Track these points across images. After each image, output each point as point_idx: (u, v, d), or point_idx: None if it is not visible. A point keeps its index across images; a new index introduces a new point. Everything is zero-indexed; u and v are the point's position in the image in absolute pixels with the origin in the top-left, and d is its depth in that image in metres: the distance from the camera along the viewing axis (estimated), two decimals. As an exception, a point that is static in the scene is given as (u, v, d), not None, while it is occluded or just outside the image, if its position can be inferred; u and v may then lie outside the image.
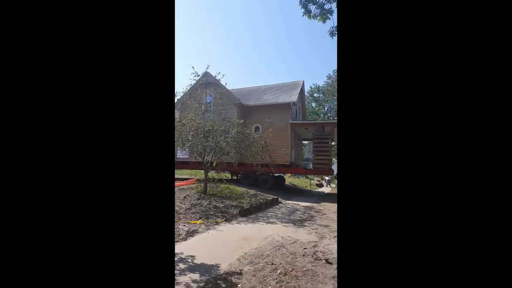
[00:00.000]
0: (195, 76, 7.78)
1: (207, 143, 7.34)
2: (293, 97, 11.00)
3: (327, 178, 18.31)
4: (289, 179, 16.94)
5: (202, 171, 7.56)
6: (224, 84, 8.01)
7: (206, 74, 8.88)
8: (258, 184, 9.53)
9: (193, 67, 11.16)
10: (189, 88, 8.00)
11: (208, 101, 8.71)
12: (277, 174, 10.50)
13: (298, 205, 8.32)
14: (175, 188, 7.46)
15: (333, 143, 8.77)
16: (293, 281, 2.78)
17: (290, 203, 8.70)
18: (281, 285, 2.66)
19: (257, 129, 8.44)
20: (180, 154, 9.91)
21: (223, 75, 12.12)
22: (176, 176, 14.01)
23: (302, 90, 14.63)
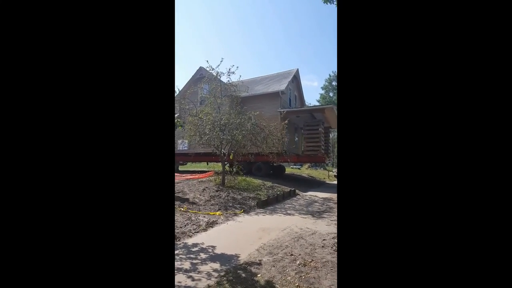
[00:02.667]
0: (210, 69, 7.80)
1: (223, 136, 7.41)
2: (282, 86, 11.12)
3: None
4: (307, 171, 16.75)
5: (218, 163, 7.68)
6: (219, 78, 7.99)
7: (201, 69, 8.94)
8: (253, 172, 9.80)
9: (207, 61, 11.21)
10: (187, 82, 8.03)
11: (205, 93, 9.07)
12: (280, 163, 10.64)
13: (316, 196, 8.23)
14: (195, 181, 7.68)
15: (323, 129, 8.75)
16: (312, 272, 2.78)
17: (308, 194, 8.63)
18: (300, 276, 2.67)
19: (249, 119, 8.57)
20: (198, 147, 10.20)
21: (237, 67, 12.21)
22: (194, 168, 14.39)
23: (296, 78, 14.69)
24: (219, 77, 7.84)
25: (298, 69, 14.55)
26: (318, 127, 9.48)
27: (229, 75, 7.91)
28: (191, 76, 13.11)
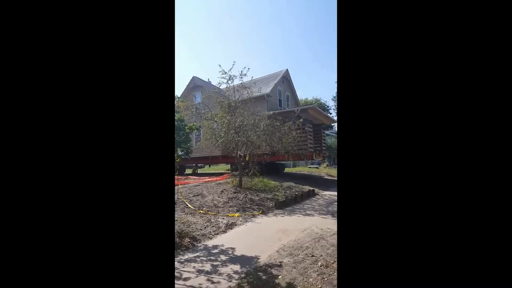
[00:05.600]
0: (222, 74, 7.88)
1: (238, 138, 7.45)
2: (268, 89, 11.40)
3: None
4: (325, 170, 16.38)
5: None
6: (212, 83, 8.10)
7: (194, 78, 11.07)
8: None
9: (219, 65, 11.36)
10: (218, 86, 8.15)
11: (198, 101, 9.43)
12: (278, 162, 10.89)
13: (336, 196, 8.00)
14: (213, 183, 7.78)
15: (310, 127, 8.82)
16: (335, 273, 2.68)
17: (327, 194, 8.41)
18: (323, 278, 2.58)
19: (263, 119, 8.71)
20: (214, 150, 10.42)
21: (248, 68, 12.39)
22: (211, 171, 14.65)
23: (287, 79, 14.95)
24: (231, 80, 7.90)
25: (287, 69, 14.84)
26: (304, 127, 9.84)
27: (241, 77, 7.95)
28: (185, 86, 13.76)
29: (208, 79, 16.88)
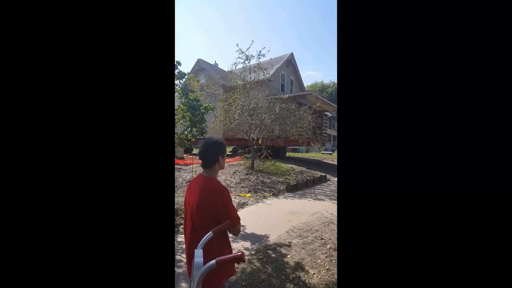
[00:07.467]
0: (240, 53, 7.70)
1: (252, 121, 7.42)
2: (270, 72, 10.83)
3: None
4: (338, 156, 16.09)
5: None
6: (217, 66, 7.80)
7: (199, 61, 11.24)
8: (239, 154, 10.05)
9: (237, 45, 11.04)
10: (234, 66, 7.99)
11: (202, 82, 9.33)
12: (279, 146, 10.81)
13: (348, 182, 7.92)
14: (226, 164, 7.92)
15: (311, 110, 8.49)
16: (343, 257, 2.72)
17: (339, 180, 8.34)
18: (331, 260, 2.64)
19: (278, 102, 8.48)
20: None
21: (269, 50, 12.01)
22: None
23: (291, 63, 14.62)
24: (248, 60, 7.72)
25: (292, 53, 14.41)
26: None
27: (259, 57, 7.74)
28: (190, 69, 13.51)
29: (215, 61, 16.66)
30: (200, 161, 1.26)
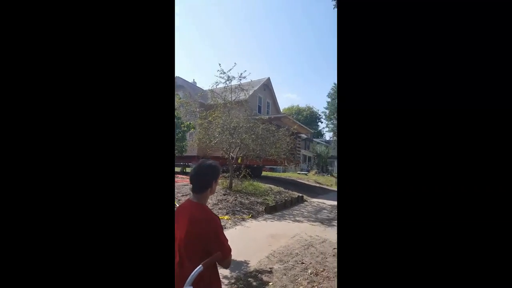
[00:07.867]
0: (221, 73, 7.83)
1: (232, 140, 7.40)
2: (246, 95, 11.45)
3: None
4: (314, 177, 16.55)
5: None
6: (196, 84, 7.98)
7: (177, 78, 11.24)
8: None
9: (219, 64, 11.25)
10: (215, 85, 8.04)
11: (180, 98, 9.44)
12: (256, 166, 11.01)
13: (324, 203, 8.10)
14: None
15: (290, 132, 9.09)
16: (325, 282, 2.69)
17: (316, 201, 8.50)
18: (313, 286, 2.59)
19: (260, 123, 8.74)
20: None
21: (249, 73, 12.26)
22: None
23: (268, 87, 15.61)
24: (230, 81, 7.86)
25: (269, 77, 15.31)
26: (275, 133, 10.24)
27: (240, 79, 7.93)
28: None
29: (193, 79, 16.85)
30: (190, 184, 1.20)
